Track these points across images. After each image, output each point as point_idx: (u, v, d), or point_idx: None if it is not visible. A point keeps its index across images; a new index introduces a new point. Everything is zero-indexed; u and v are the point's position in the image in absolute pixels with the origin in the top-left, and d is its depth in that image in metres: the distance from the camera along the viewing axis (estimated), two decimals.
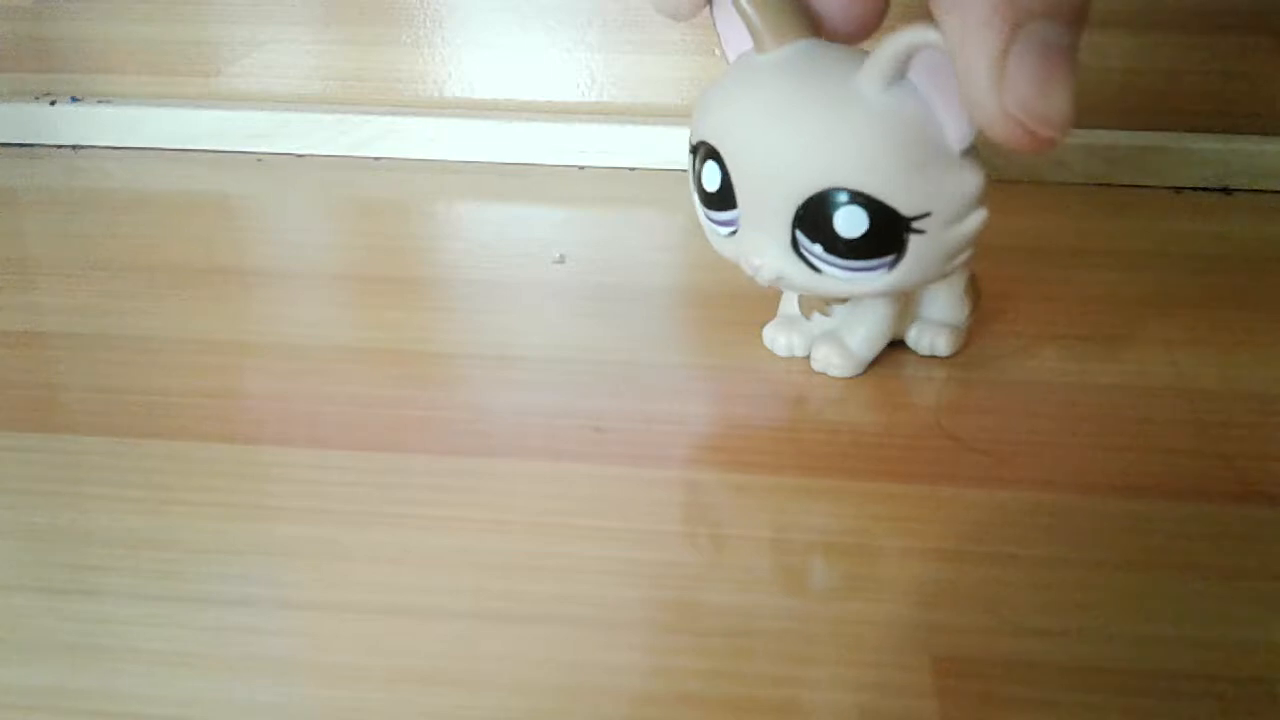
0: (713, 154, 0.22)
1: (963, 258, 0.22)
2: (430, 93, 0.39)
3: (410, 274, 0.30)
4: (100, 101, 0.39)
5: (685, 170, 0.24)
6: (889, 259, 0.21)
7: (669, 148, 0.36)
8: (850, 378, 0.25)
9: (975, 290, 0.25)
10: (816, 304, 0.25)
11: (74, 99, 0.39)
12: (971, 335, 0.26)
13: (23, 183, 0.36)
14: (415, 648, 0.18)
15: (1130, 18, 0.36)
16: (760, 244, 0.22)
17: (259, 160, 0.38)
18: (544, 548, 0.20)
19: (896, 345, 0.25)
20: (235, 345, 0.26)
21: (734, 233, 0.23)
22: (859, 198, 0.20)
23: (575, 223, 0.34)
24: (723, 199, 0.22)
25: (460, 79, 0.39)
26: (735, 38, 0.23)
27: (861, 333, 0.24)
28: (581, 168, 0.37)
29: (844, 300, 0.24)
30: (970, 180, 0.21)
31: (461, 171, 0.37)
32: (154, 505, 0.21)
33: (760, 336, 0.26)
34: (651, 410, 0.24)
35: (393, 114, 0.38)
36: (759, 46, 0.22)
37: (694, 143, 0.23)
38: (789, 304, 0.26)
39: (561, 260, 0.30)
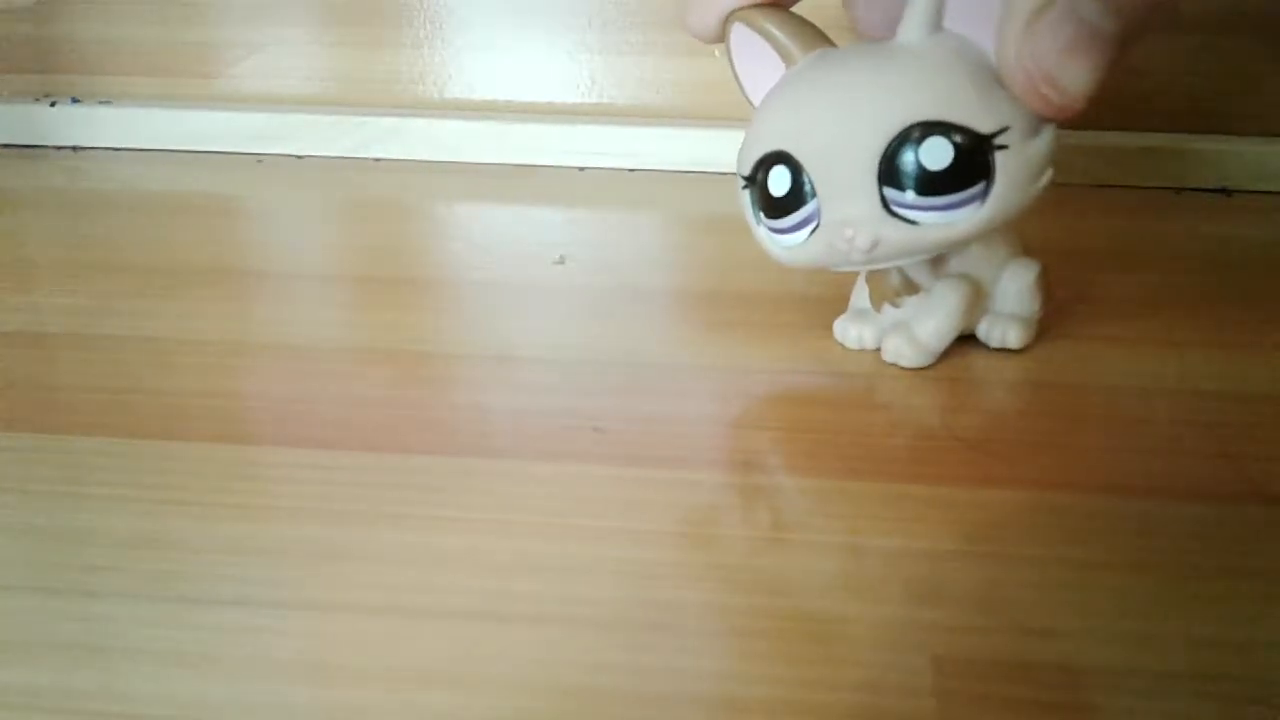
0: (778, 159, 0.23)
1: (1046, 178, 0.23)
2: (430, 93, 0.39)
3: (410, 274, 0.30)
4: (101, 102, 0.39)
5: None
6: (980, 186, 0.22)
7: (669, 149, 0.36)
8: (920, 368, 0.25)
9: (1046, 284, 0.25)
10: (888, 295, 0.25)
11: (74, 100, 0.39)
12: (972, 335, 0.26)
13: (23, 183, 0.36)
14: (415, 648, 0.18)
15: None
16: (849, 215, 0.22)
17: (259, 161, 0.38)
18: (544, 548, 0.20)
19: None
20: (235, 345, 0.26)
21: (814, 229, 0.23)
22: (937, 127, 0.21)
23: (575, 223, 0.34)
24: (794, 197, 0.23)
25: (460, 80, 0.39)
26: (755, 76, 0.24)
27: (932, 324, 0.24)
28: (581, 169, 0.37)
29: (916, 290, 0.24)
30: None
31: (461, 172, 0.37)
32: (154, 505, 0.21)
33: (758, 332, 0.26)
34: (651, 410, 0.24)
35: (393, 115, 0.38)
36: (790, 60, 0.23)
37: (750, 169, 0.24)
38: (860, 298, 0.26)
39: (561, 260, 0.30)
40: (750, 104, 0.25)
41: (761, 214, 0.24)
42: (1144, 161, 0.35)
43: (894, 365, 0.25)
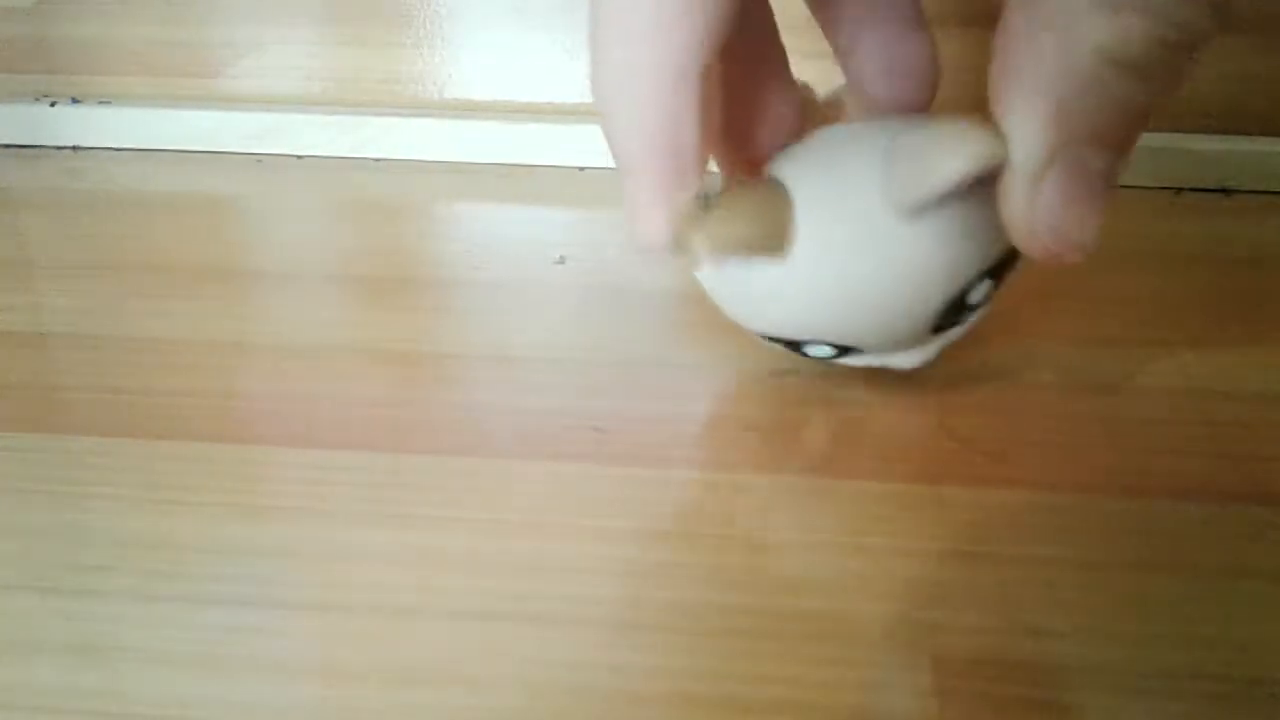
0: (815, 341, 0.22)
1: None
2: (430, 93, 0.39)
3: (410, 274, 0.30)
4: (100, 103, 0.39)
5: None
6: (1014, 267, 0.21)
7: None
8: (911, 369, 0.24)
9: None
10: None
11: (74, 100, 0.39)
12: (971, 334, 0.26)
13: (23, 183, 0.36)
14: (415, 648, 0.18)
15: None
16: (900, 357, 0.22)
17: (259, 161, 0.38)
18: (544, 548, 0.20)
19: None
20: (235, 345, 0.26)
21: (858, 359, 0.23)
22: (976, 278, 0.20)
23: (575, 223, 0.34)
24: (841, 354, 0.22)
25: (460, 79, 0.39)
26: (721, 264, 0.21)
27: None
28: (581, 168, 0.37)
29: None
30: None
31: (461, 171, 0.37)
32: (154, 505, 0.21)
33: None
34: (651, 410, 0.24)
35: (393, 114, 0.38)
36: (773, 254, 0.20)
37: (782, 341, 0.22)
38: None
39: (561, 260, 0.30)
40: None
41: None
42: (1144, 161, 0.35)
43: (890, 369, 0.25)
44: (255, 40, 0.39)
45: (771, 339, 0.23)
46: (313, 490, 0.21)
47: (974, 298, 0.21)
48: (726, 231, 0.20)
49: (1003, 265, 0.21)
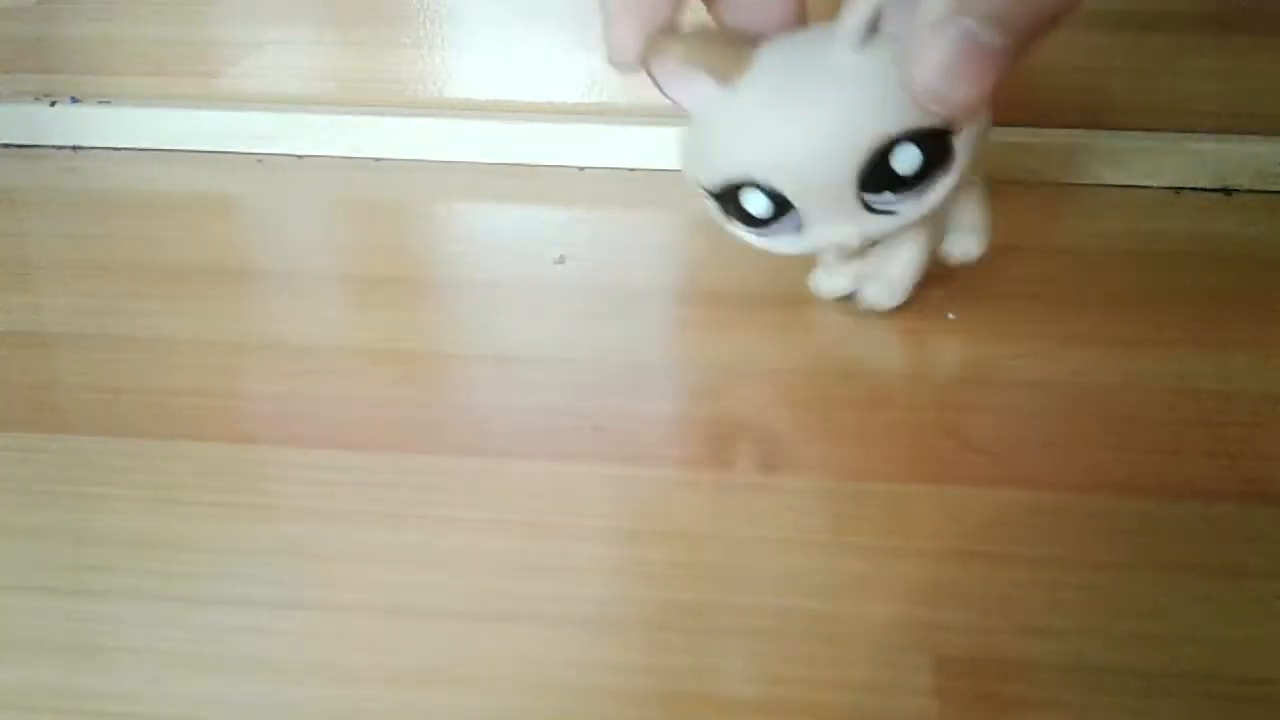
0: (751, 185, 0.23)
1: (986, 118, 0.24)
2: (430, 93, 0.39)
3: (410, 274, 0.30)
4: (100, 102, 0.39)
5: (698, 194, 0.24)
6: (946, 165, 0.23)
7: (669, 149, 0.36)
8: (891, 309, 0.26)
9: (989, 196, 0.26)
10: (856, 252, 0.25)
11: (74, 99, 0.39)
12: (972, 335, 0.26)
13: (23, 183, 0.36)
14: (415, 648, 0.18)
15: (1131, 18, 0.36)
16: (836, 226, 0.23)
17: (259, 161, 0.38)
18: (544, 548, 0.20)
19: (907, 331, 0.26)
20: (235, 345, 0.26)
21: (798, 230, 0.24)
22: (904, 136, 0.22)
23: (575, 223, 0.34)
24: (773, 215, 0.23)
25: (460, 79, 0.39)
26: (682, 86, 0.23)
27: (903, 261, 0.26)
28: (582, 168, 0.37)
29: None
30: None
31: (461, 171, 0.37)
32: (154, 505, 0.21)
33: (758, 332, 0.26)
34: (651, 410, 0.24)
35: (393, 114, 0.38)
36: (724, 80, 0.23)
37: (717, 189, 0.24)
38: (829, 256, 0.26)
39: (561, 260, 0.30)
40: (675, 102, 0.24)
41: (737, 222, 0.24)
42: (1144, 161, 0.35)
43: (872, 310, 0.26)
44: (256, 40, 0.39)
45: (716, 191, 0.24)
46: (313, 490, 0.21)
47: (901, 166, 0.22)
48: (690, 50, 0.23)
49: (931, 141, 0.22)
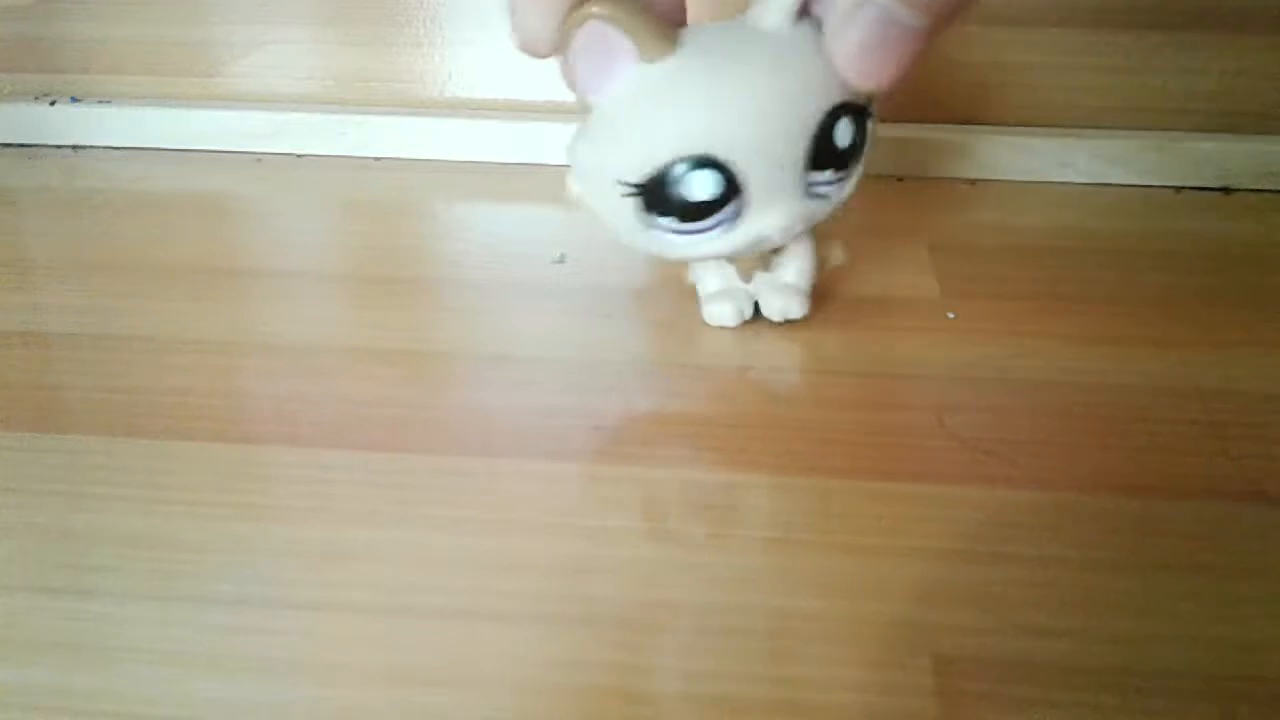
0: (701, 162, 0.22)
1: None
2: (430, 93, 0.39)
3: (410, 274, 0.30)
4: (100, 102, 0.39)
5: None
6: (863, 151, 0.24)
7: None
8: (800, 319, 0.26)
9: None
10: (754, 263, 0.26)
11: (74, 99, 0.39)
12: (972, 335, 0.26)
13: (23, 183, 0.36)
14: (415, 648, 0.18)
15: (1131, 17, 0.36)
16: (776, 209, 0.23)
17: (259, 160, 0.38)
18: (544, 547, 0.20)
19: (902, 329, 0.26)
20: (235, 345, 0.26)
21: (729, 226, 0.23)
22: (843, 109, 0.22)
23: (575, 223, 0.34)
24: (716, 200, 0.22)
25: (460, 79, 0.39)
26: (594, 75, 0.22)
27: (800, 269, 0.26)
28: None
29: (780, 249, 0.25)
30: None
31: (461, 171, 0.37)
32: (154, 505, 0.21)
33: (759, 331, 0.26)
34: (651, 410, 0.24)
35: (393, 114, 0.38)
36: (652, 53, 0.21)
37: (647, 176, 0.22)
38: (713, 281, 0.26)
39: (561, 260, 0.30)
40: (587, 105, 0.23)
41: (663, 219, 0.23)
42: (1144, 160, 0.35)
43: (786, 320, 0.26)
44: (255, 40, 0.39)
45: (645, 182, 0.22)
46: (313, 490, 0.21)
47: (841, 138, 0.22)
48: (619, 16, 0.21)
49: (860, 118, 0.23)
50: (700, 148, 0.22)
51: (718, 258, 0.24)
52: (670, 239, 0.23)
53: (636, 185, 0.22)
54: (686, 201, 0.22)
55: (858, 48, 0.20)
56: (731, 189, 0.22)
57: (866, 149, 0.24)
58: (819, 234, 0.26)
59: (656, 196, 0.22)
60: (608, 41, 0.21)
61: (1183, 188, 0.35)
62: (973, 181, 0.35)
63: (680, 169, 0.22)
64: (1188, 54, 0.36)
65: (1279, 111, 0.36)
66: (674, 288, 0.29)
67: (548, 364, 0.25)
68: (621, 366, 0.25)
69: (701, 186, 0.22)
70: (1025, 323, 0.27)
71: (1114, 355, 0.25)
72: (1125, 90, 0.36)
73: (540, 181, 0.36)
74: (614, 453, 0.22)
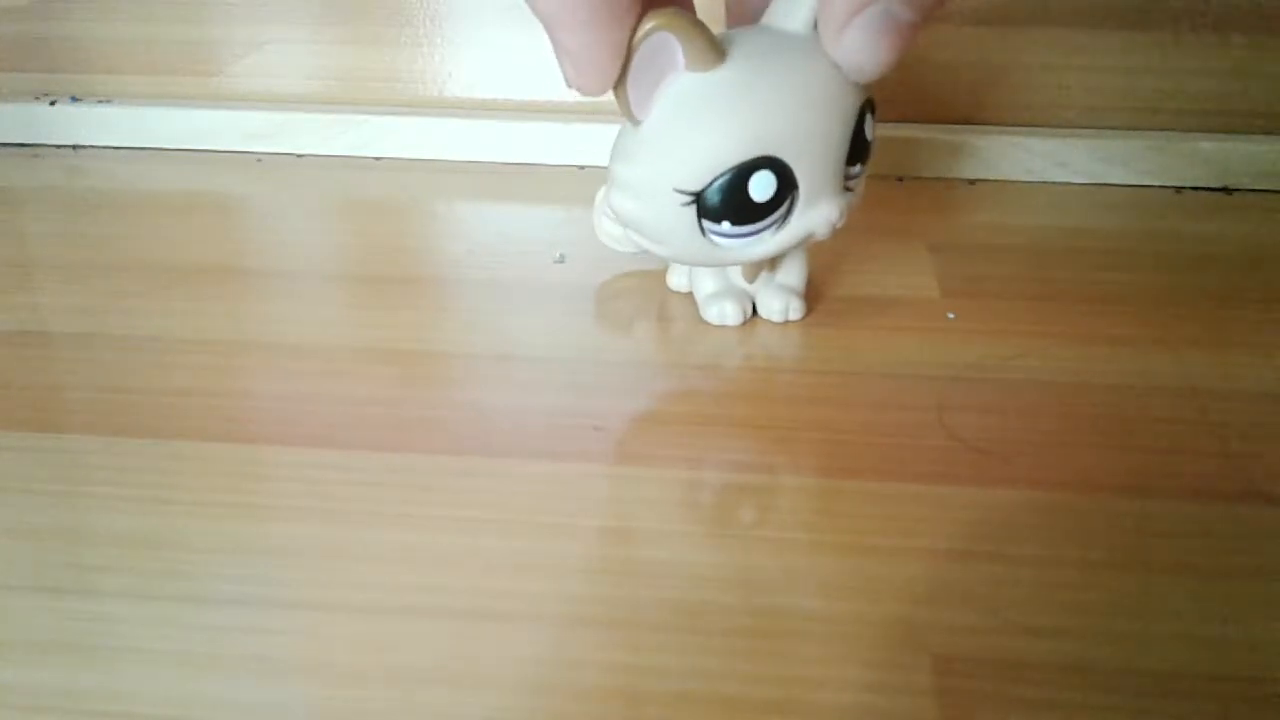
0: (761, 164, 0.22)
1: None
2: (430, 93, 0.39)
3: (410, 274, 0.30)
4: (100, 101, 0.39)
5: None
6: (869, 145, 0.24)
7: None
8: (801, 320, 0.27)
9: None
10: (760, 267, 0.26)
11: (74, 99, 0.39)
12: (972, 335, 0.26)
13: (23, 183, 0.36)
14: (415, 648, 0.18)
15: (1131, 17, 0.36)
16: (825, 205, 0.24)
17: (259, 160, 0.38)
18: (544, 548, 0.20)
19: (899, 329, 0.25)
20: (235, 345, 0.26)
21: (781, 225, 0.24)
22: (868, 105, 0.24)
23: (575, 223, 0.34)
24: (777, 200, 0.23)
25: (460, 79, 0.39)
26: (646, 88, 0.22)
27: (799, 273, 0.27)
28: (581, 167, 0.37)
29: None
30: None
31: (461, 171, 0.37)
32: (154, 505, 0.21)
33: (759, 331, 0.26)
34: (651, 410, 0.24)
35: (393, 114, 0.38)
36: (705, 64, 0.22)
37: (712, 178, 0.23)
38: (709, 283, 0.27)
39: (561, 260, 0.30)
40: (635, 120, 0.23)
41: (718, 224, 0.23)
42: (1145, 160, 0.35)
43: (786, 321, 0.27)
44: (255, 40, 0.39)
45: (700, 189, 0.23)
46: (313, 490, 0.21)
47: (869, 131, 0.24)
48: (677, 27, 0.21)
49: (872, 114, 0.24)
50: (759, 150, 0.22)
51: (767, 258, 0.25)
52: (726, 243, 0.24)
53: (694, 193, 0.23)
54: (747, 203, 0.23)
55: (861, 43, 0.21)
56: (786, 188, 0.23)
57: (874, 142, 0.25)
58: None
59: (716, 201, 0.23)
60: (656, 57, 0.22)
61: (1183, 188, 0.35)
62: (972, 181, 0.36)
63: (742, 172, 0.22)
64: (1188, 54, 0.36)
65: (1279, 111, 0.36)
66: (674, 288, 0.29)
67: (548, 364, 0.25)
68: (621, 366, 0.25)
69: (760, 188, 0.23)
70: (1025, 323, 0.27)
71: (1114, 355, 0.25)
72: (1125, 90, 0.36)
73: (540, 181, 0.36)
74: (614, 453, 0.22)
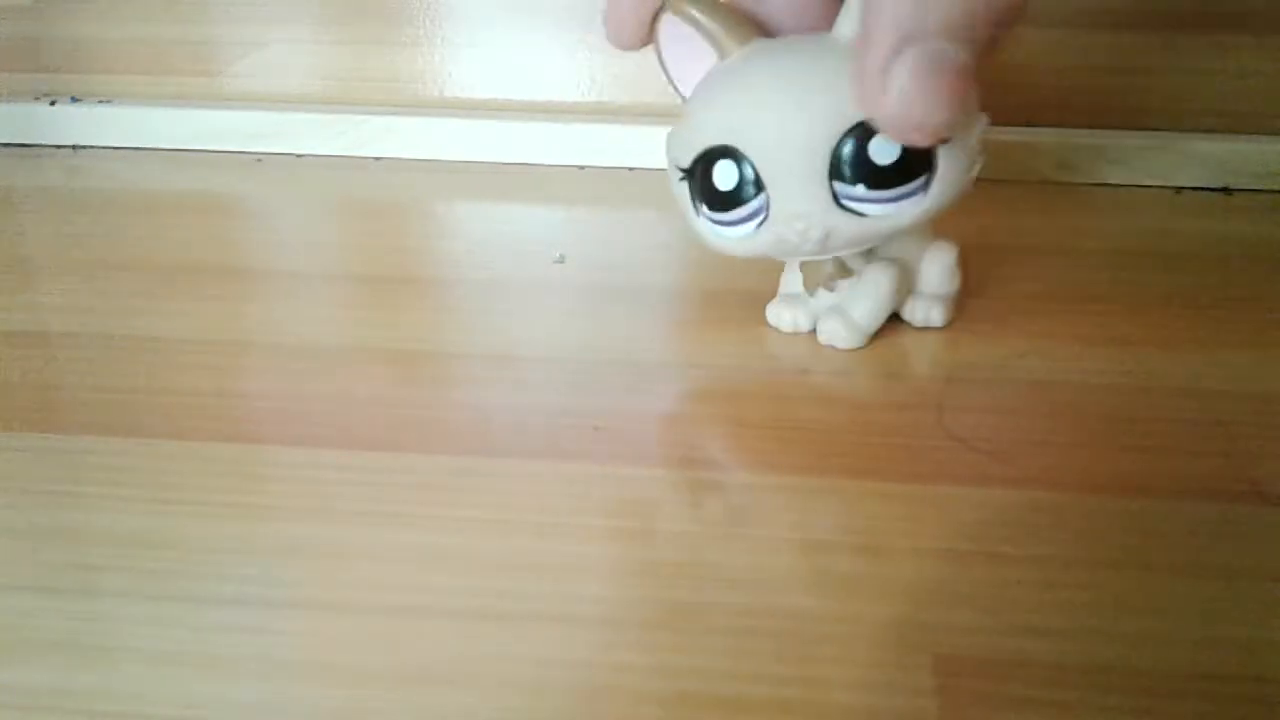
0: (722, 153, 0.23)
1: (977, 168, 0.24)
2: (430, 93, 0.39)
3: (410, 274, 0.30)
4: (100, 101, 0.39)
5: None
6: (924, 179, 0.22)
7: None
8: (854, 349, 0.26)
9: (963, 264, 0.26)
10: (822, 280, 0.25)
11: (74, 99, 0.39)
12: (972, 335, 0.26)
13: (23, 183, 0.36)
14: (415, 648, 0.18)
15: (1131, 17, 0.36)
16: (800, 210, 0.23)
17: (259, 160, 0.38)
18: (544, 547, 0.20)
19: (898, 329, 0.26)
20: (235, 345, 0.26)
21: (761, 222, 0.23)
22: (872, 127, 0.22)
23: (575, 223, 0.34)
24: (740, 191, 0.23)
25: (460, 79, 0.39)
26: (684, 67, 0.24)
27: (865, 305, 0.25)
28: (581, 167, 0.37)
29: (849, 274, 0.25)
30: None
31: (461, 171, 0.37)
32: (154, 505, 0.21)
33: (759, 331, 0.26)
34: (651, 410, 0.24)
35: (393, 114, 0.38)
36: (723, 52, 0.23)
37: (689, 162, 0.24)
38: (792, 283, 0.26)
39: (561, 260, 0.30)
40: (679, 96, 0.24)
41: (703, 206, 0.24)
42: (1145, 161, 0.35)
43: (830, 345, 0.26)
44: (255, 40, 0.39)
45: (688, 166, 0.24)
46: (313, 490, 0.21)
47: (879, 156, 0.22)
48: (695, 11, 0.23)
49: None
50: (720, 139, 0.23)
51: (753, 256, 0.24)
52: (711, 228, 0.24)
53: (684, 170, 0.24)
54: (714, 190, 0.23)
55: (911, 92, 0.19)
56: (755, 185, 0.23)
57: (941, 180, 0.23)
58: (919, 289, 0.26)
59: (695, 183, 0.24)
60: (692, 38, 0.23)
61: (1183, 188, 0.35)
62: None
63: (708, 157, 0.23)
64: (1188, 54, 0.36)
65: (1279, 111, 0.36)
66: (673, 287, 0.29)
67: (548, 364, 0.25)
68: (621, 366, 0.25)
69: (723, 176, 0.23)
70: (1025, 323, 0.27)
71: (1114, 355, 0.25)
72: (1126, 90, 0.36)
73: (540, 181, 0.36)
74: (614, 453, 0.22)
